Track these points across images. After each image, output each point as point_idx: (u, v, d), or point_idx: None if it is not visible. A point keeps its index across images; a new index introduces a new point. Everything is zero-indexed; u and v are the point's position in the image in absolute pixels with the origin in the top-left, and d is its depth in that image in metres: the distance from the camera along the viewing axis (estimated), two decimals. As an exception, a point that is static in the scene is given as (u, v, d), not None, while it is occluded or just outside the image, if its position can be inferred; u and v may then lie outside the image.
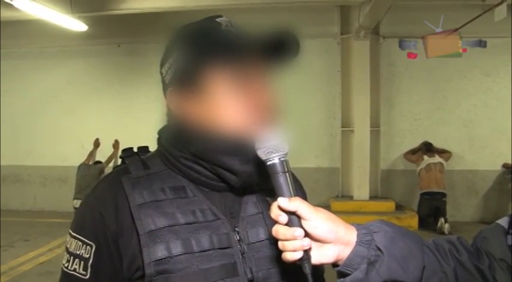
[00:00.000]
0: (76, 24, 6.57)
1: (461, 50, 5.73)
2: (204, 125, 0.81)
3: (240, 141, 0.79)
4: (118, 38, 8.13)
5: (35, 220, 7.62)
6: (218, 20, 0.84)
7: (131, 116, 8.14)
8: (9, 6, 5.52)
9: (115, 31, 7.87)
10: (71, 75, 8.34)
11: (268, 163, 0.75)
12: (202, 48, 0.81)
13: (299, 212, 0.72)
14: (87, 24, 6.71)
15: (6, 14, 6.13)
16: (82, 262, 0.80)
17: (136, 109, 8.07)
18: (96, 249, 0.79)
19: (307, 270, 0.72)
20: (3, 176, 8.60)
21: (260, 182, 0.85)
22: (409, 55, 6.36)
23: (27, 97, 8.43)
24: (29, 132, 8.48)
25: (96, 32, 7.32)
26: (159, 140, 0.90)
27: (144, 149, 0.92)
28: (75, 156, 7.60)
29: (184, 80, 0.83)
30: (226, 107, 0.80)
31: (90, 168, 6.92)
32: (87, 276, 0.79)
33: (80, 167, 7.01)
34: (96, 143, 7.44)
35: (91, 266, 0.79)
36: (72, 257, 0.81)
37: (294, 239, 0.71)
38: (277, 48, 0.80)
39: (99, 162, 7.16)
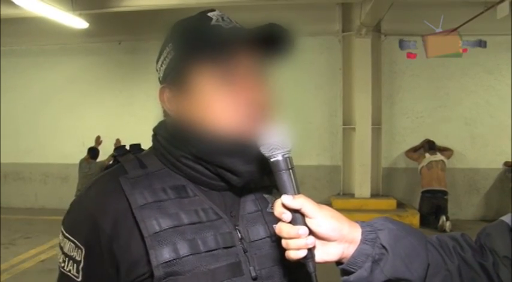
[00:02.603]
0: (77, 22, 6.56)
1: (461, 50, 5.69)
2: (200, 125, 0.79)
3: (240, 140, 0.77)
4: (119, 35, 8.12)
5: (36, 218, 7.62)
6: (209, 14, 0.82)
7: (132, 114, 8.13)
8: (10, 3, 5.52)
9: (116, 28, 7.86)
10: (72, 72, 8.34)
11: (271, 160, 0.73)
12: (190, 45, 0.79)
13: (303, 210, 0.71)
14: (87, 22, 6.71)
15: (7, 11, 6.14)
16: (75, 264, 0.79)
17: (137, 107, 8.07)
18: (86, 254, 0.78)
19: (311, 268, 0.71)
20: (4, 174, 8.61)
21: (257, 180, 0.84)
22: (408, 55, 6.28)
23: (28, 95, 8.43)
24: (29, 130, 8.48)
25: (97, 29, 7.32)
26: (155, 138, 0.87)
27: (136, 147, 0.89)
28: (76, 153, 7.60)
29: (173, 77, 0.82)
30: (217, 105, 0.78)
31: (91, 165, 6.94)
32: (79, 279, 0.78)
33: (81, 163, 7.02)
34: (98, 141, 7.43)
35: (82, 269, 0.78)
36: (67, 258, 0.81)
37: (298, 237, 0.69)
38: (266, 42, 0.79)
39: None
